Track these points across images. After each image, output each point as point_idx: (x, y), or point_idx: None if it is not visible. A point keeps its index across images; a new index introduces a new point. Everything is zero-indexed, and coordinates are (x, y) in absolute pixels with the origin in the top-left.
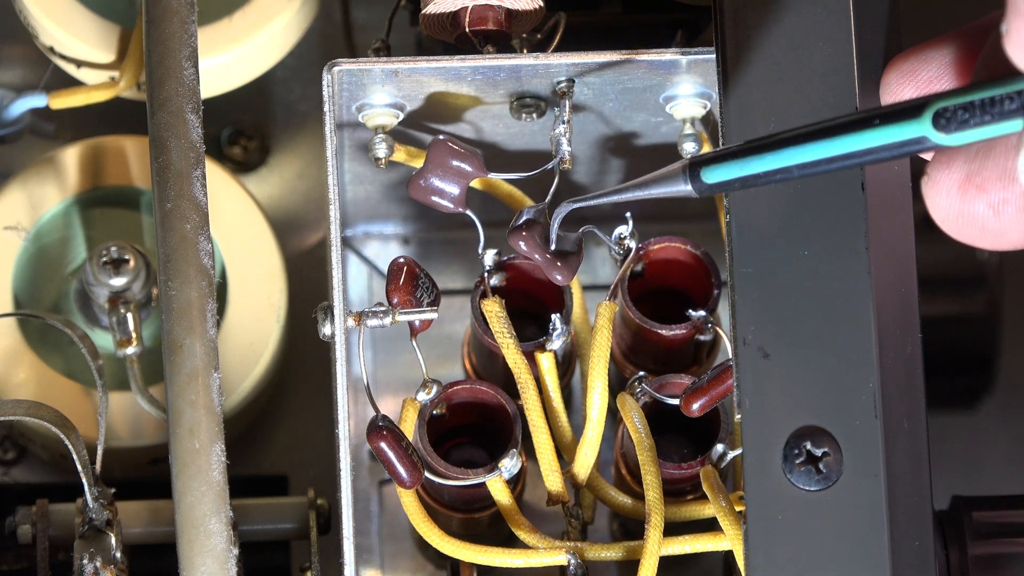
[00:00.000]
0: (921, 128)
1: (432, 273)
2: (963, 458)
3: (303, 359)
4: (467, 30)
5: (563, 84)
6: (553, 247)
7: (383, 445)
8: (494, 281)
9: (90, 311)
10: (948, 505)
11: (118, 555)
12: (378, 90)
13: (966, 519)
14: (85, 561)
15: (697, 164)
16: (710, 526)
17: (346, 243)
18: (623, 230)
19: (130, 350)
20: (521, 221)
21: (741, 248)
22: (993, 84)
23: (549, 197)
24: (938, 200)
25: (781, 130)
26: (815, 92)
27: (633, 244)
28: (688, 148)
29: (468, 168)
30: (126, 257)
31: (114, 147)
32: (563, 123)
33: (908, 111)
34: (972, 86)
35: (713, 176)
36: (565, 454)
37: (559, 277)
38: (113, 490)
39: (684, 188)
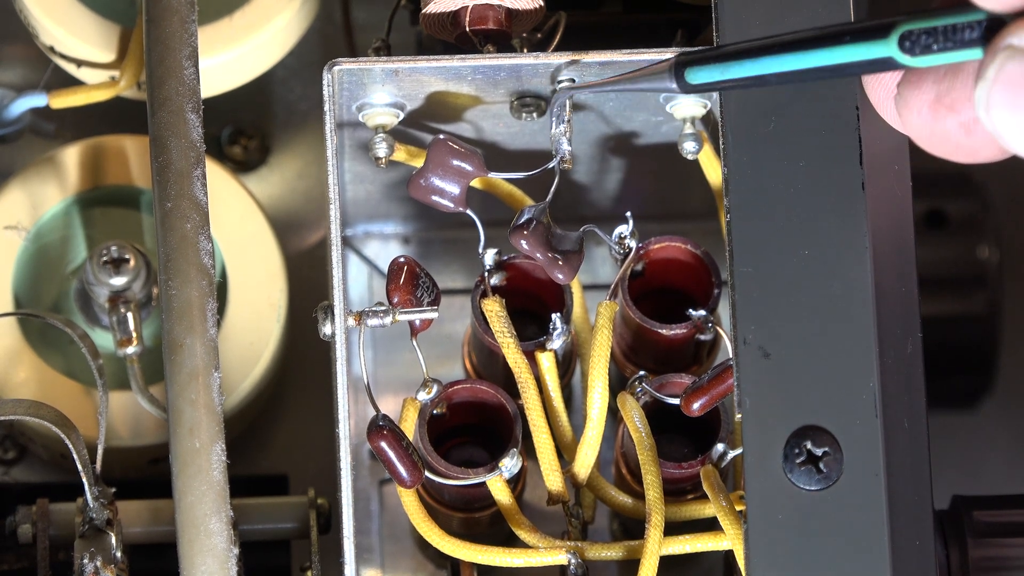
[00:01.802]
0: (888, 49)
1: (432, 272)
2: (963, 458)
3: (303, 359)
4: (467, 29)
5: (563, 83)
6: (554, 126)
7: (383, 444)
8: (494, 280)
9: (90, 311)
10: (948, 505)
11: (118, 555)
12: (378, 89)
13: (966, 519)
14: (85, 561)
15: (683, 64)
16: (710, 526)
17: (346, 242)
18: (623, 229)
19: (130, 349)
20: (522, 220)
21: (741, 248)
22: (955, 13)
23: (550, 196)
24: (911, 119)
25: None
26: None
27: (633, 243)
28: (688, 147)
29: (468, 167)
30: (126, 256)
31: (114, 146)
32: (563, 122)
33: (876, 31)
34: (936, 12)
35: (696, 77)
36: (565, 453)
37: (560, 276)
38: (113, 489)
39: (669, 85)
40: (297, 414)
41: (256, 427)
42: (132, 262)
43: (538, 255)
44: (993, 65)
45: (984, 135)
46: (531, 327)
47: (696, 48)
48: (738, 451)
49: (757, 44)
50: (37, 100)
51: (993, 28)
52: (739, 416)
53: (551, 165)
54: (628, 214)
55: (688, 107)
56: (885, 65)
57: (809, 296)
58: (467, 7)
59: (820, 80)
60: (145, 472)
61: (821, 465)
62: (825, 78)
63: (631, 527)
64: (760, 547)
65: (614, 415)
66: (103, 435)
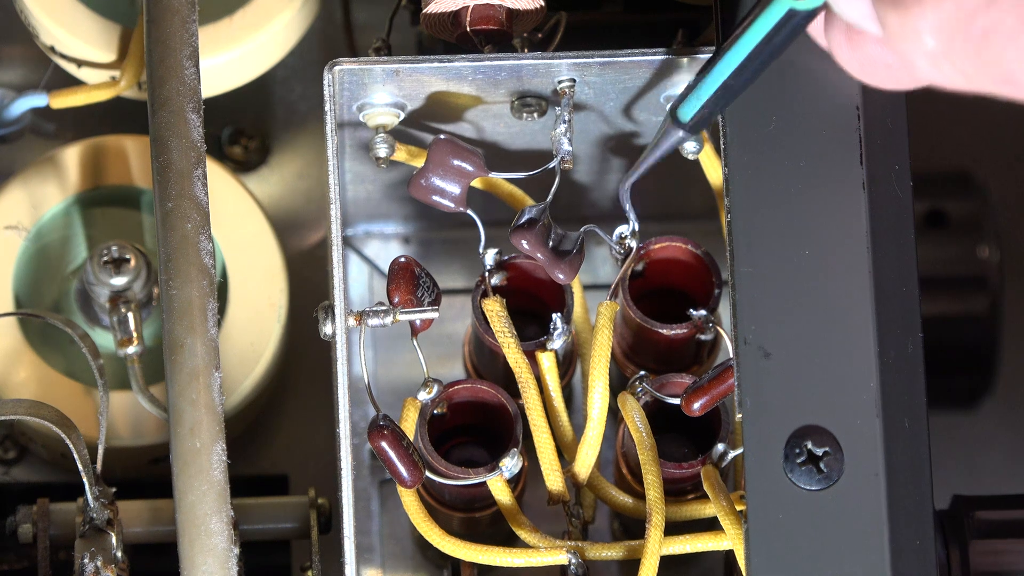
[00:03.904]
0: (784, 4)
1: (433, 272)
2: (963, 458)
3: (304, 359)
4: (468, 29)
5: (564, 83)
6: (630, 225)
7: (384, 444)
8: (495, 280)
9: (91, 310)
10: (948, 505)
11: (119, 554)
12: (379, 89)
13: (966, 519)
14: (86, 560)
15: (674, 109)
16: (711, 525)
17: (347, 242)
18: (624, 229)
19: (131, 349)
20: (523, 220)
21: (741, 248)
22: None
23: (550, 196)
24: (840, 54)
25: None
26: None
27: (634, 243)
28: (689, 147)
29: (469, 167)
30: (127, 256)
31: (115, 146)
32: (564, 122)
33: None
34: None
35: (686, 114)
36: (566, 453)
37: (561, 276)
38: (114, 489)
39: (680, 135)
40: (297, 414)
41: (256, 427)
42: (132, 262)
43: (539, 255)
44: None
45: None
46: (532, 327)
47: (680, 93)
48: (738, 451)
49: (707, 62)
50: (37, 100)
51: None
52: (739, 416)
53: (552, 165)
54: (629, 214)
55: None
56: (798, 18)
57: (809, 296)
58: (468, 7)
59: (771, 62)
60: (146, 472)
61: (821, 465)
62: (769, 59)
63: (631, 527)
64: (760, 547)
65: (614, 415)
66: (103, 435)
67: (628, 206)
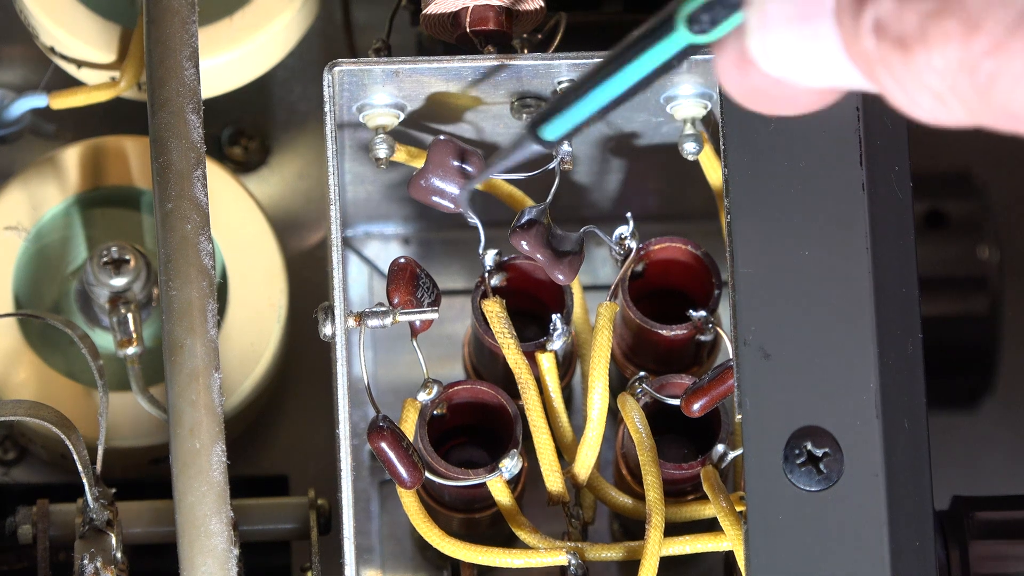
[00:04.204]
0: (683, 37)
1: (432, 273)
2: (963, 458)
3: (303, 359)
4: (468, 30)
5: (564, 84)
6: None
7: (383, 445)
8: (495, 281)
9: (91, 311)
10: (948, 505)
11: (119, 555)
12: (379, 90)
13: (966, 519)
14: (86, 561)
15: (535, 125)
16: (711, 526)
17: (347, 243)
18: (624, 230)
19: (131, 350)
20: (523, 221)
21: (741, 248)
22: None
23: (550, 197)
24: (727, 80)
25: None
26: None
27: (634, 244)
28: (689, 148)
29: (469, 168)
30: (127, 257)
31: (115, 147)
32: None
33: (664, 27)
34: None
35: (553, 134)
36: (565, 454)
37: (561, 277)
38: (114, 490)
39: (535, 148)
40: (297, 414)
41: (256, 427)
42: (132, 263)
43: (538, 256)
44: (752, 7)
45: (789, 86)
46: (531, 328)
47: (543, 108)
48: (738, 452)
49: (580, 83)
50: (37, 101)
51: None
52: (739, 417)
53: (551, 166)
54: (628, 214)
55: (688, 108)
56: (692, 51)
57: (809, 296)
58: (467, 8)
59: (651, 84)
60: (145, 472)
61: (821, 466)
62: (650, 84)
63: (631, 528)
64: (760, 548)
65: (614, 416)
66: (103, 435)
67: (470, 213)
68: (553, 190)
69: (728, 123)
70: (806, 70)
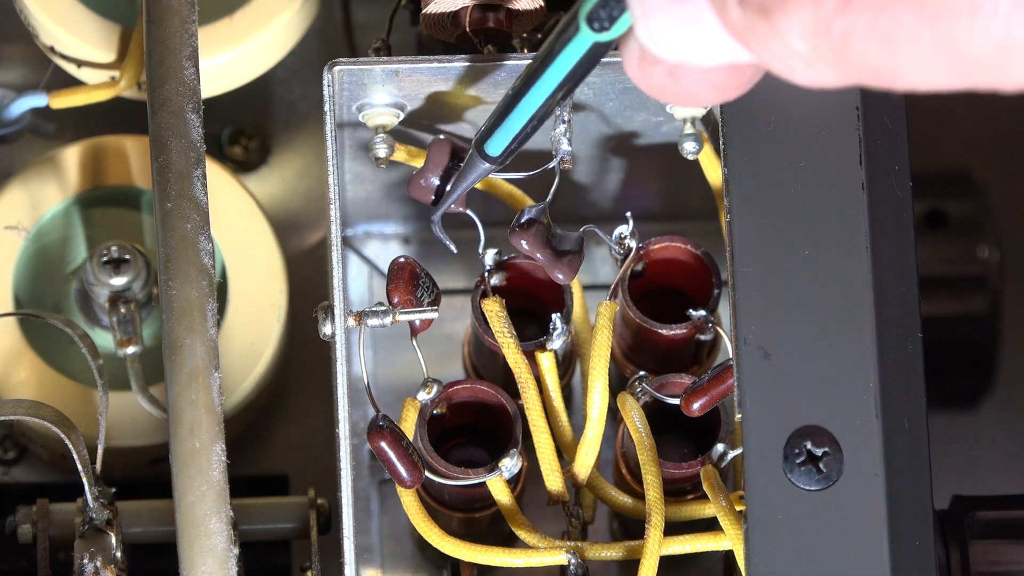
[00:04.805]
0: (588, 37)
1: (432, 273)
2: (963, 458)
3: (303, 359)
4: (468, 30)
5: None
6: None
7: (383, 445)
8: (494, 281)
9: (91, 311)
10: (948, 505)
11: (118, 555)
12: (378, 90)
13: (966, 519)
14: (85, 561)
15: (480, 143)
16: (710, 526)
17: (346, 243)
18: (623, 230)
19: (130, 350)
20: (523, 220)
21: (741, 248)
22: None
23: (550, 197)
24: (632, 75)
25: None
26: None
27: (633, 243)
28: (689, 148)
29: None
30: (127, 257)
31: (114, 147)
32: (563, 123)
33: (569, 30)
34: None
35: (496, 149)
36: (565, 454)
37: (561, 276)
38: (113, 489)
39: (487, 167)
40: (297, 414)
41: (256, 427)
42: (132, 262)
43: (538, 255)
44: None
45: (692, 80)
46: (531, 327)
47: (483, 126)
48: (738, 451)
49: (510, 95)
50: (37, 100)
51: None
52: (739, 416)
53: (551, 165)
54: (628, 214)
55: (689, 108)
56: (601, 49)
57: (809, 296)
58: (467, 7)
59: (576, 86)
60: (145, 472)
61: (821, 465)
62: (576, 84)
63: (631, 527)
64: (760, 547)
65: (614, 415)
66: (103, 435)
67: (443, 236)
68: (553, 189)
69: (728, 123)
70: (696, 50)
